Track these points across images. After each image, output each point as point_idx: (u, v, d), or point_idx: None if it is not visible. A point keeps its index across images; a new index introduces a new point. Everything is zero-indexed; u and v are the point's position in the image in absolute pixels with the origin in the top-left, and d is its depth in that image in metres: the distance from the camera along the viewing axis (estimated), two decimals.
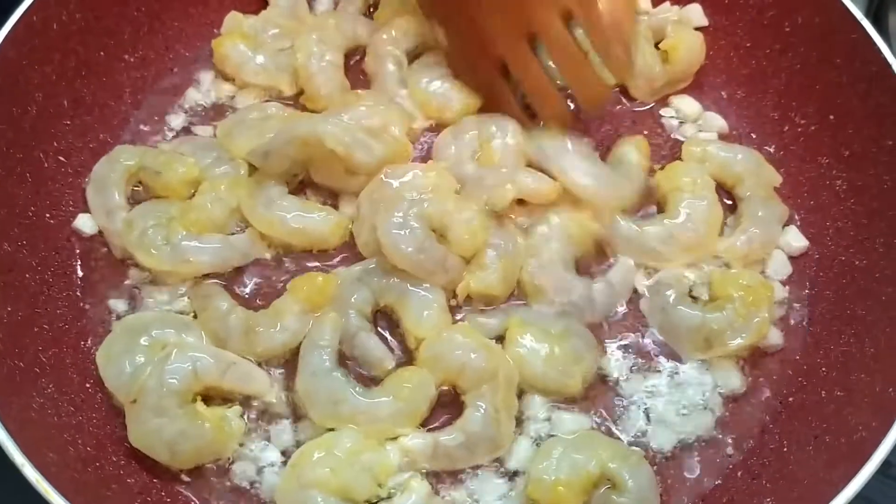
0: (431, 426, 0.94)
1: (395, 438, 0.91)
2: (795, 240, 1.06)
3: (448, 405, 0.95)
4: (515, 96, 1.05)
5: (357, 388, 0.91)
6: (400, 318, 0.98)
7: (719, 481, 0.93)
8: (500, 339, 0.97)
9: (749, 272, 1.02)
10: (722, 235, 1.05)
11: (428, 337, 0.94)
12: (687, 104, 1.17)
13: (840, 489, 0.81)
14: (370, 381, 0.95)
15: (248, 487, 0.92)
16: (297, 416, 0.95)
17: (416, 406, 0.92)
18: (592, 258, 1.04)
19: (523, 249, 1.00)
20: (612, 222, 1.02)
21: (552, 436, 0.93)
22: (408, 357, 0.98)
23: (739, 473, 0.93)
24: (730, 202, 1.09)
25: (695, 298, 1.01)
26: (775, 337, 1.01)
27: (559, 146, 1.03)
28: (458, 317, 0.99)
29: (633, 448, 0.93)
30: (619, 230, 1.03)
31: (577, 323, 0.98)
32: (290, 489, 0.87)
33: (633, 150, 1.07)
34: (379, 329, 0.99)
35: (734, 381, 0.98)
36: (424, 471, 0.91)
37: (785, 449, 0.93)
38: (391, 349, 0.98)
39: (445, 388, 0.95)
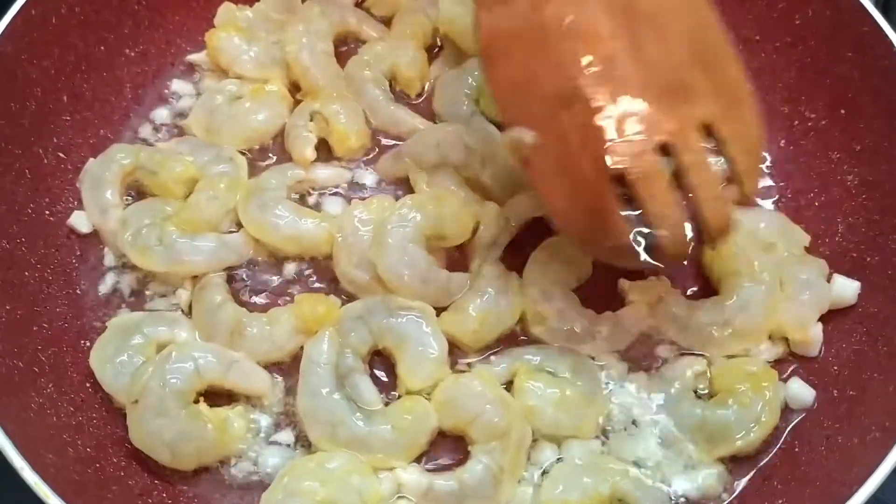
0: (433, 461, 0.92)
1: (390, 469, 0.89)
2: (846, 288, 0.98)
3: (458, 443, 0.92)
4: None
5: (357, 413, 0.89)
6: (396, 363, 0.94)
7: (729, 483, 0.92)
8: (509, 384, 0.94)
9: (752, 358, 0.96)
10: None
11: (439, 383, 0.91)
12: None
13: (854, 491, 0.79)
14: None
15: (250, 489, 0.90)
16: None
17: (415, 439, 0.89)
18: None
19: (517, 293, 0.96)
20: (663, 304, 0.96)
21: (559, 459, 0.91)
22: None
23: (750, 475, 0.92)
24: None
25: (699, 395, 0.95)
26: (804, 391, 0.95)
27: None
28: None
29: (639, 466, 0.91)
30: (669, 313, 0.96)
31: (584, 360, 0.94)
32: (275, 498, 0.86)
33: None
34: (377, 366, 0.97)
35: None
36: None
37: (796, 450, 0.92)
38: (388, 384, 0.95)
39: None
